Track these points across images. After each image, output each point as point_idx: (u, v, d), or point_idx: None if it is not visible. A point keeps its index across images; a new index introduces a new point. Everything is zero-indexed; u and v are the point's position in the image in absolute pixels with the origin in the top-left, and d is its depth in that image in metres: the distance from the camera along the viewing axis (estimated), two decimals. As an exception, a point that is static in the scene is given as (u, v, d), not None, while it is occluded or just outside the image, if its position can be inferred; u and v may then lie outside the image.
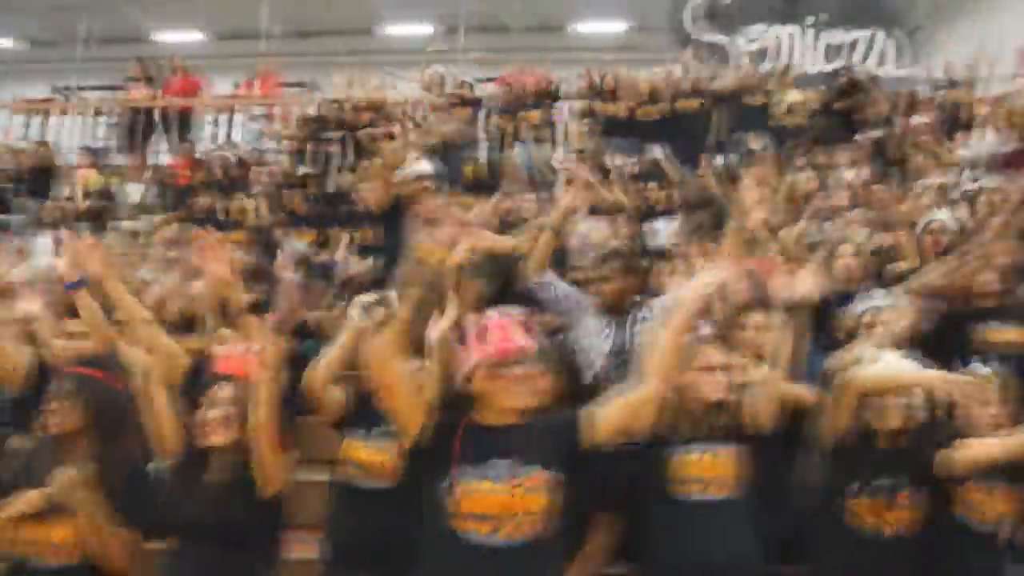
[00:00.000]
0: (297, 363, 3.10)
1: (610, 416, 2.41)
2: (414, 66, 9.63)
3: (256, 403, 2.66)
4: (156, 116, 10.20)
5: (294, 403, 3.04)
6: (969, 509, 2.96)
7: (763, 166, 6.03)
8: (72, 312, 3.46)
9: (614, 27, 15.46)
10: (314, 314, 4.82)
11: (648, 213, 6.83)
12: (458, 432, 2.34)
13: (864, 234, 5.30)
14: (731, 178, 7.11)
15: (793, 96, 8.51)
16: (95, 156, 9.23)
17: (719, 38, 9.12)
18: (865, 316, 3.66)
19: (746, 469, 2.85)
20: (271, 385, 2.67)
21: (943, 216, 4.87)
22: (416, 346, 2.66)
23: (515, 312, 2.44)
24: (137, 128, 10.06)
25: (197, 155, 9.21)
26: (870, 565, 2.88)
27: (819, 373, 3.16)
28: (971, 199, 5.52)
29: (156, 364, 2.98)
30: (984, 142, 7.17)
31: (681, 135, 7.91)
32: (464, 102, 8.75)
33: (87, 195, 8.23)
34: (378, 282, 5.08)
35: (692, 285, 2.59)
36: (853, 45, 10.31)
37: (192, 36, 16.05)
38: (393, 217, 4.38)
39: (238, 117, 10.78)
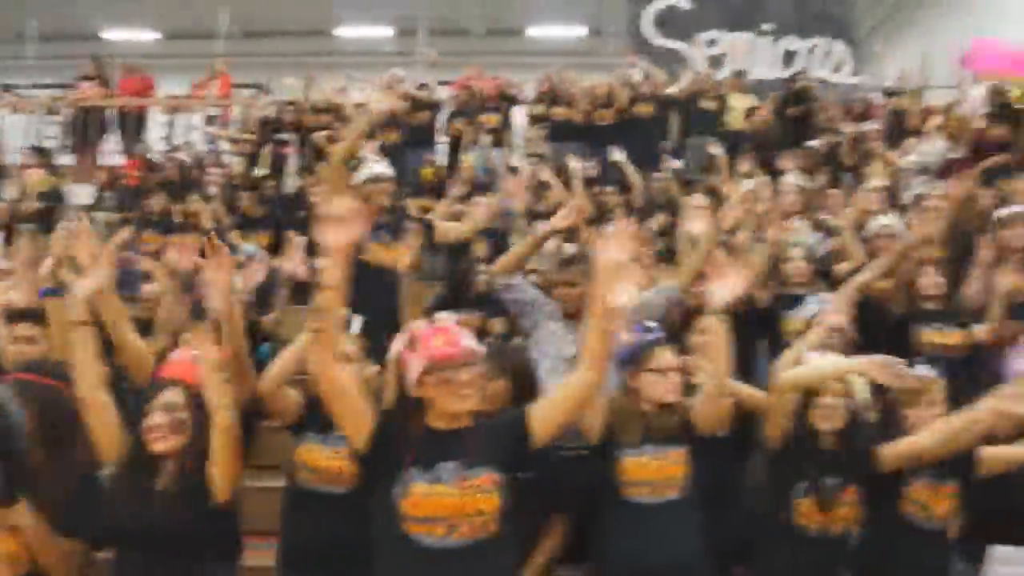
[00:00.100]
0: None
1: (549, 411, 2.43)
2: (370, 68, 9.60)
3: (210, 407, 2.63)
4: (108, 115, 10.04)
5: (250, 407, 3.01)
6: (916, 507, 3.03)
7: (719, 174, 6.12)
8: (19, 316, 3.40)
9: (571, 32, 15.55)
10: (269, 317, 4.80)
11: (603, 217, 6.89)
12: (409, 437, 2.36)
13: (814, 238, 5.42)
14: (686, 183, 7.21)
15: (746, 102, 8.65)
16: (43, 156, 9.03)
17: (676, 44, 9.23)
18: (814, 319, 3.73)
19: (695, 471, 2.89)
20: (219, 389, 2.64)
21: (890, 221, 4.99)
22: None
23: (466, 316, 2.46)
24: (88, 128, 9.88)
25: (150, 156, 9.08)
26: (817, 564, 2.94)
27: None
28: (917, 205, 5.66)
29: (130, 365, 2.94)
30: (933, 149, 7.34)
31: (635, 140, 8.00)
32: (423, 105, 8.75)
33: (34, 196, 8.05)
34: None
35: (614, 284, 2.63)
36: (811, 51, 10.49)
37: (143, 35, 15.80)
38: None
39: (192, 118, 10.66)
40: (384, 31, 14.43)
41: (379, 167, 4.46)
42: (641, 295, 3.61)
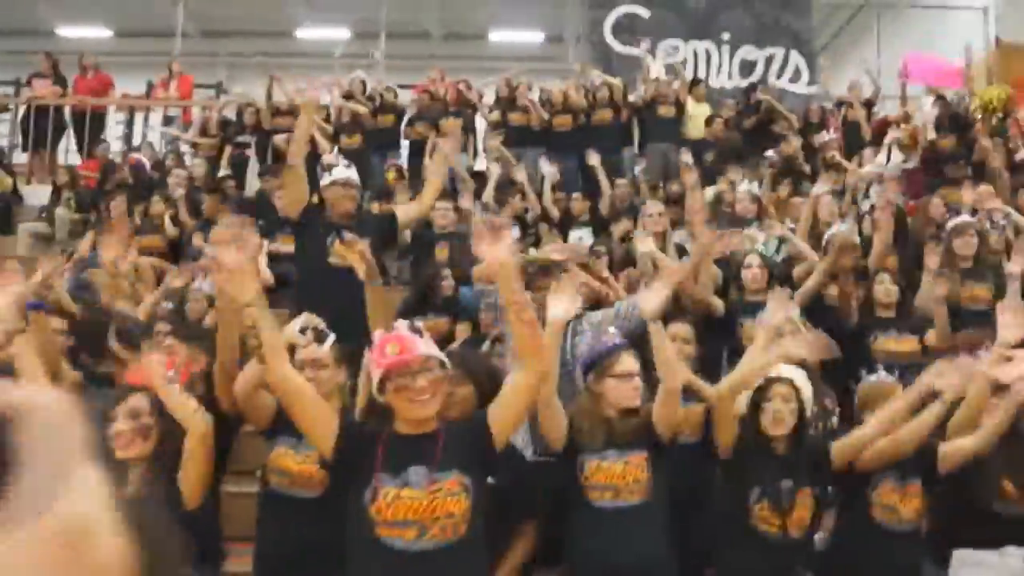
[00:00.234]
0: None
1: (502, 411, 2.46)
2: (329, 71, 9.54)
3: (175, 412, 2.63)
4: (65, 115, 9.86)
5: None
6: (885, 512, 3.10)
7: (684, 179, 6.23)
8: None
9: (531, 37, 15.60)
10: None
11: (570, 222, 6.96)
12: (378, 442, 2.39)
13: (771, 245, 5.54)
14: (650, 188, 7.32)
15: (704, 110, 8.77)
16: (-5, 155, 8.88)
17: (636, 51, 9.31)
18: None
19: (659, 474, 2.93)
20: (177, 401, 2.63)
21: (844, 228, 5.11)
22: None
23: (433, 320, 2.49)
24: (43, 127, 9.69)
25: (109, 157, 8.94)
26: (778, 568, 2.99)
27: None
28: (871, 214, 5.82)
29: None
30: (891, 159, 7.55)
31: (594, 146, 8.06)
32: (387, 108, 8.73)
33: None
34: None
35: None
36: (768, 61, 10.63)
37: (98, 32, 15.49)
38: (305, 223, 4.38)
39: (152, 118, 10.52)
40: (343, 33, 14.31)
41: (346, 172, 4.47)
42: (620, 305, 3.71)
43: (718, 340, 4.37)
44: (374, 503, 2.30)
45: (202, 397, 2.83)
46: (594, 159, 7.28)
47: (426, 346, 2.40)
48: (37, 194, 8.77)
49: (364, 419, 2.67)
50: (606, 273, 4.70)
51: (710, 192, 6.53)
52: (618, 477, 2.89)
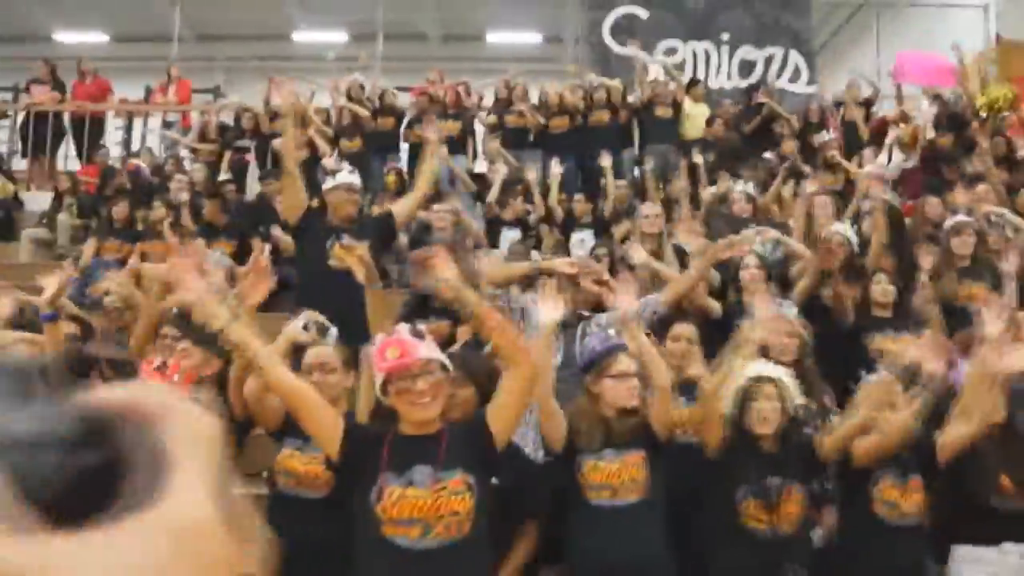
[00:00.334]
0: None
1: (499, 412, 2.49)
2: (326, 74, 9.54)
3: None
4: (64, 121, 9.87)
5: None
6: (886, 508, 3.12)
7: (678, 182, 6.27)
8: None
9: (529, 38, 15.59)
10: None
11: (571, 224, 6.97)
12: (384, 443, 2.43)
13: (767, 246, 5.56)
14: (645, 190, 7.33)
15: (703, 110, 8.78)
16: (-5, 162, 8.90)
17: (636, 52, 9.29)
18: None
19: (657, 473, 2.96)
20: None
21: (842, 228, 5.14)
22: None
23: (435, 323, 2.51)
24: (42, 133, 9.70)
25: (109, 162, 8.95)
26: (770, 564, 3.01)
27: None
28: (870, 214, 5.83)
29: None
30: (892, 159, 7.57)
31: (591, 147, 8.08)
32: (387, 111, 8.73)
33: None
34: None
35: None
36: (768, 61, 10.62)
37: (95, 37, 15.48)
38: (305, 227, 4.41)
39: (151, 123, 10.52)
40: (340, 36, 14.29)
41: (349, 176, 4.51)
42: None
43: (717, 342, 4.39)
44: (379, 502, 2.35)
45: (211, 400, 2.86)
46: (606, 160, 7.31)
47: (427, 349, 2.43)
48: (37, 200, 8.78)
49: (371, 420, 2.71)
50: (607, 276, 4.73)
51: (710, 192, 6.56)
52: (615, 476, 2.92)
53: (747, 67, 10.62)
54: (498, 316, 2.48)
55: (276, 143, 8.04)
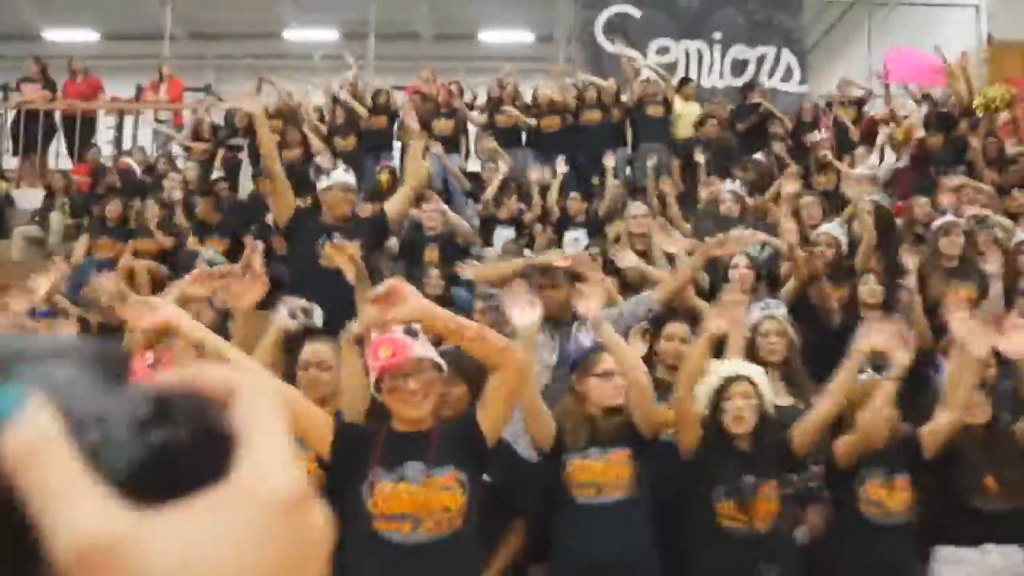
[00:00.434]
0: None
1: (489, 410, 2.49)
2: (316, 73, 9.53)
3: None
4: (55, 119, 9.84)
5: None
6: (873, 507, 3.13)
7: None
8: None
9: (522, 37, 15.58)
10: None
11: (565, 223, 6.99)
12: (376, 439, 2.45)
13: (757, 245, 5.58)
14: (637, 189, 7.36)
15: (694, 108, 8.80)
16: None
17: (628, 51, 9.30)
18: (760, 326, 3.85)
19: (642, 471, 2.98)
20: None
21: (831, 228, 5.17)
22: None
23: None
24: (33, 131, 9.68)
25: (101, 160, 8.94)
26: (747, 563, 2.99)
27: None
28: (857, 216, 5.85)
29: None
30: (884, 160, 7.61)
31: (583, 146, 8.09)
32: (380, 110, 8.73)
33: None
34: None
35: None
36: (760, 60, 10.63)
37: (86, 35, 15.41)
38: (296, 227, 4.43)
39: (142, 121, 10.50)
40: (332, 35, 14.26)
41: (345, 176, 4.52)
42: (624, 306, 3.78)
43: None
44: (371, 497, 2.36)
45: None
46: (610, 160, 7.30)
47: (420, 348, 2.44)
48: (28, 198, 8.76)
49: (367, 418, 2.73)
50: (600, 275, 4.74)
51: (709, 192, 6.57)
52: (600, 474, 2.94)
53: (739, 66, 10.62)
54: (472, 326, 2.39)
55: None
